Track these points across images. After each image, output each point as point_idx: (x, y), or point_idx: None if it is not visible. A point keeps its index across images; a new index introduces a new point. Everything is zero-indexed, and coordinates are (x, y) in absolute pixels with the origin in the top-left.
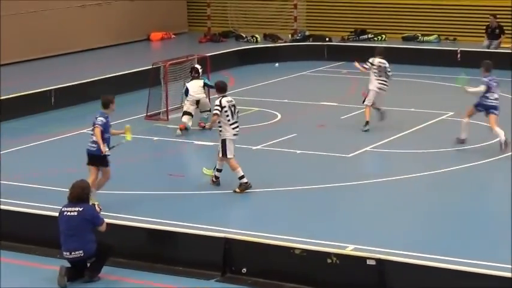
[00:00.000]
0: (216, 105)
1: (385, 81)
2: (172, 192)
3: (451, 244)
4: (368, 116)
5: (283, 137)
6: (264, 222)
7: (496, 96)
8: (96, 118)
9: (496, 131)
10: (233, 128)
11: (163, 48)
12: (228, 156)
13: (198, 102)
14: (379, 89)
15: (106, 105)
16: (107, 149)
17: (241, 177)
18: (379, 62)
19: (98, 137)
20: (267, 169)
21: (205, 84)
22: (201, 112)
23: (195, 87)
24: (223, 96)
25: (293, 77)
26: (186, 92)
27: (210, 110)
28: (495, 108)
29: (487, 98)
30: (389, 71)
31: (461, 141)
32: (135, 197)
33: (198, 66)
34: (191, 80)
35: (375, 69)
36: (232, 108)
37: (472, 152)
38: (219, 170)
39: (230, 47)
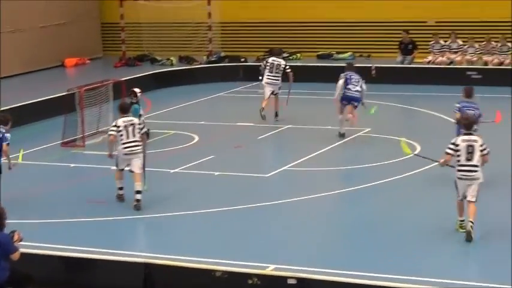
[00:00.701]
0: (112, 126)
1: (274, 76)
2: (92, 219)
3: (371, 260)
4: (263, 104)
5: (200, 159)
6: (184, 245)
7: (357, 88)
8: (3, 134)
9: (348, 117)
10: (124, 148)
11: (78, 73)
12: (116, 167)
13: None
14: (267, 83)
15: (7, 122)
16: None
17: (120, 188)
18: (273, 60)
19: (9, 152)
20: (185, 192)
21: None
22: None
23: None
24: (122, 117)
25: (209, 99)
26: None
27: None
28: (355, 99)
29: (349, 90)
30: (287, 68)
31: (342, 135)
32: (54, 225)
33: (137, 90)
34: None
35: (268, 66)
36: (130, 128)
37: (389, 167)
38: (138, 192)
39: (145, 71)
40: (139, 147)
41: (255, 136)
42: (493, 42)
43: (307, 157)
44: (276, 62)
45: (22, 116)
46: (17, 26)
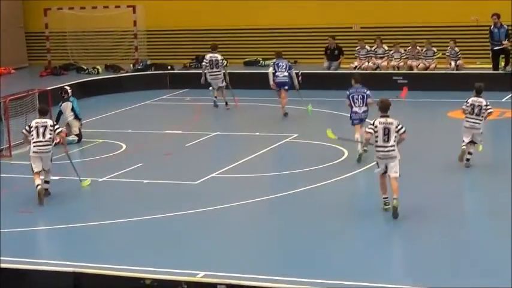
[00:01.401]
0: (26, 126)
1: (216, 72)
2: (19, 229)
3: (301, 265)
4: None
5: (129, 167)
6: (113, 254)
7: (284, 74)
8: None
9: (283, 102)
10: (34, 146)
11: (3, 83)
12: (34, 170)
13: (67, 123)
14: (211, 79)
15: None
16: None
17: (37, 185)
18: (210, 57)
19: None
20: (114, 200)
21: (72, 108)
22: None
23: (67, 110)
24: (39, 118)
25: (136, 107)
26: (59, 114)
27: (78, 135)
28: (284, 84)
29: (277, 76)
30: (221, 64)
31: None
32: None
33: (67, 87)
34: (62, 102)
35: (207, 64)
36: (41, 129)
37: (317, 172)
38: (47, 182)
39: (71, 80)
40: (48, 147)
41: (183, 143)
42: (418, 47)
43: (236, 164)
44: (214, 58)
45: None
46: None
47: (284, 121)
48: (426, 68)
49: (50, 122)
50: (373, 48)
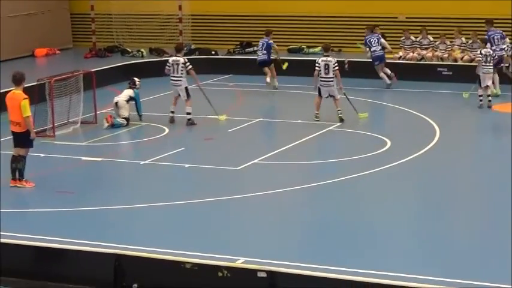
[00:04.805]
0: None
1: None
2: (61, 209)
3: (340, 254)
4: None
5: (171, 151)
6: (154, 237)
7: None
8: None
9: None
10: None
11: (48, 64)
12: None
13: (116, 103)
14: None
15: None
16: None
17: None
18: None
19: None
20: (156, 184)
21: (133, 98)
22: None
23: (124, 92)
24: (175, 55)
25: None
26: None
27: (127, 118)
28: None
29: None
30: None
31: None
32: (23, 214)
33: (136, 78)
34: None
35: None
36: (175, 66)
37: (359, 162)
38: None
39: (116, 62)
40: (179, 82)
41: (225, 129)
42: (463, 39)
43: (278, 150)
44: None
45: None
46: None
47: (326, 110)
48: (471, 60)
49: (182, 60)
50: (418, 39)
